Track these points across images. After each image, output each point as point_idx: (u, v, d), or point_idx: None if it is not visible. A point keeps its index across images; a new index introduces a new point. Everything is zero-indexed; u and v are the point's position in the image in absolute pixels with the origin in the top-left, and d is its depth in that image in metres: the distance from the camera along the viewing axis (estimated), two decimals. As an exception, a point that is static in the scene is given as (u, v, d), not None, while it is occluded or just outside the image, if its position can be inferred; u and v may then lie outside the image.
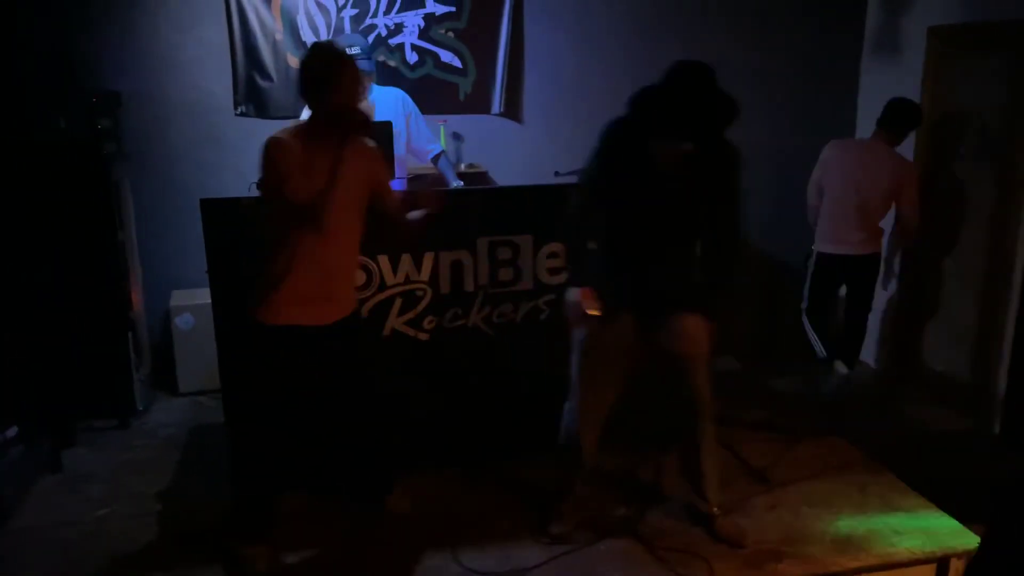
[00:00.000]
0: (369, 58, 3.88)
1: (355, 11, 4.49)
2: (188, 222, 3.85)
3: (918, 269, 4.55)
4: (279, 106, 4.49)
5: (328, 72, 2.59)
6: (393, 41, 4.58)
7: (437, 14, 4.59)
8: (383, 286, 3.33)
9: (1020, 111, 3.97)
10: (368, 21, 4.52)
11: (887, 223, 4.23)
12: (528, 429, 3.43)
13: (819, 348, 4.45)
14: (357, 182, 2.70)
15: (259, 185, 2.64)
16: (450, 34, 4.64)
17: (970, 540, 2.98)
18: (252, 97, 4.50)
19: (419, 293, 3.37)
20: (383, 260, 3.31)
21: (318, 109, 2.63)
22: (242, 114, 4.50)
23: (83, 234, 3.91)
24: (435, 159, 4.19)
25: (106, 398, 4.04)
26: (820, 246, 4.30)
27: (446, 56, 4.66)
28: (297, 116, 4.02)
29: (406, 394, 3.36)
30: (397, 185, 3.85)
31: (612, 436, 3.08)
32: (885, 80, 4.74)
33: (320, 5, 4.45)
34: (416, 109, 4.11)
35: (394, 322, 3.37)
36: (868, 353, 4.87)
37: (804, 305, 4.46)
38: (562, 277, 3.33)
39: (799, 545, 3.00)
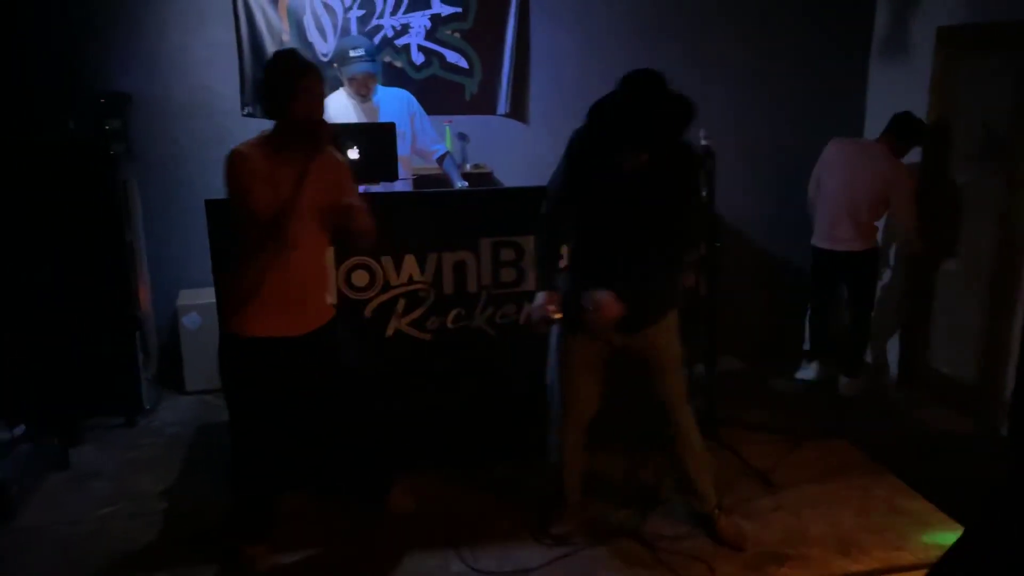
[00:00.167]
0: (373, 60, 3.90)
1: (361, 12, 4.51)
2: (195, 222, 3.87)
3: (924, 270, 4.53)
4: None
5: (289, 83, 2.54)
6: (399, 42, 4.59)
7: (443, 15, 4.60)
8: (387, 287, 3.35)
9: (1028, 112, 3.94)
10: (374, 22, 4.54)
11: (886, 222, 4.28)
12: (530, 430, 3.43)
13: (807, 343, 4.67)
14: (322, 195, 2.66)
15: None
16: (456, 35, 4.64)
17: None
18: (259, 98, 4.52)
19: (422, 294, 3.38)
20: (386, 261, 3.32)
21: (281, 120, 2.60)
22: (249, 115, 4.52)
23: (91, 234, 3.94)
24: (440, 159, 4.20)
25: (113, 396, 4.07)
26: (815, 240, 4.45)
27: (452, 57, 4.67)
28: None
29: (409, 394, 3.37)
30: (401, 186, 3.87)
31: (612, 438, 3.08)
32: (893, 80, 4.72)
33: (327, 6, 4.47)
34: (421, 110, 4.12)
35: (397, 323, 3.39)
36: (872, 354, 4.86)
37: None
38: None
39: (801, 547, 3.00)
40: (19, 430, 3.49)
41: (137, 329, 4.12)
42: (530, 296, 3.43)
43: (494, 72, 4.72)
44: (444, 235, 3.35)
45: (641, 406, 3.07)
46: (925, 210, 4.33)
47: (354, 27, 4.51)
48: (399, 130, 3.65)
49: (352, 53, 3.86)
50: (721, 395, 3.90)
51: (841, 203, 4.25)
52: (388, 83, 4.27)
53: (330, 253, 3.26)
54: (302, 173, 2.54)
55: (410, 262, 3.35)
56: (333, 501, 3.26)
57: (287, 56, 2.67)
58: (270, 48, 4.44)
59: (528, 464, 3.38)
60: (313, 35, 4.48)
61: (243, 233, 2.63)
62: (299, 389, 2.81)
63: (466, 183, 4.18)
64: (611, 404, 3.03)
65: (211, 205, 3.09)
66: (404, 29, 4.58)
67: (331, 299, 2.97)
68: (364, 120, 3.92)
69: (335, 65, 3.99)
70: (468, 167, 4.66)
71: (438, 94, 4.63)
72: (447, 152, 4.23)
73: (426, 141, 4.15)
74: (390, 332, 3.39)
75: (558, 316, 2.81)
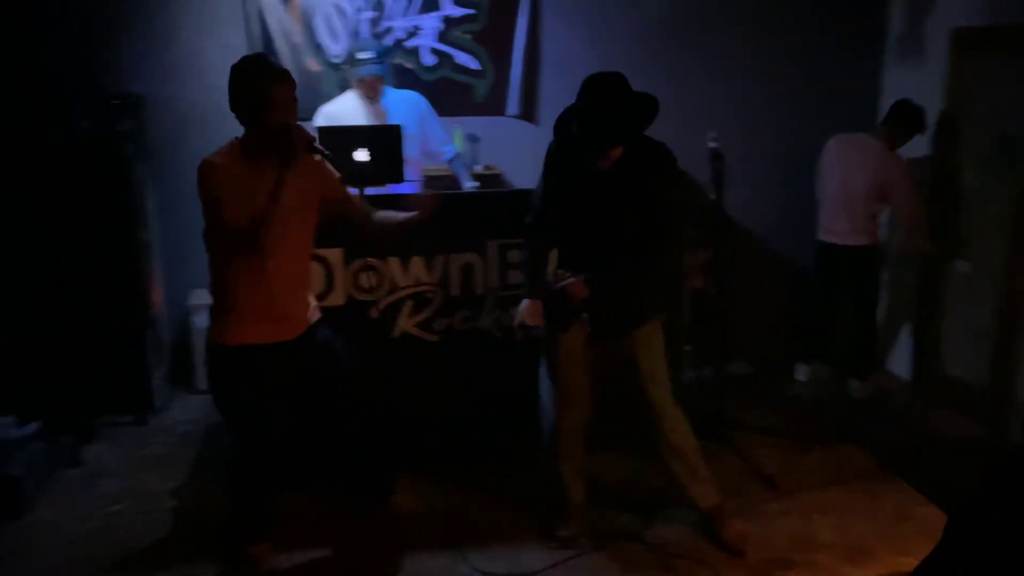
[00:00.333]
0: (382, 62, 3.91)
1: (373, 14, 4.52)
2: (207, 223, 3.90)
3: (936, 272, 4.48)
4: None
5: (265, 91, 2.48)
6: (410, 44, 4.60)
7: (454, 16, 4.61)
8: (394, 288, 3.36)
9: (1044, 114, 3.89)
10: (385, 24, 4.55)
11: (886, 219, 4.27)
12: (535, 430, 3.44)
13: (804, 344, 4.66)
14: (302, 201, 2.63)
15: None
16: (467, 36, 4.65)
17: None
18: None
19: (429, 295, 3.39)
20: (394, 262, 3.34)
21: (252, 128, 2.54)
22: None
23: (105, 233, 3.99)
24: (450, 161, 4.21)
25: (125, 395, 4.11)
26: (819, 234, 4.48)
27: (462, 58, 4.67)
28: (308, 119, 4.05)
29: (415, 395, 3.38)
30: (409, 188, 3.87)
31: (617, 442, 3.07)
32: (907, 82, 4.67)
33: (338, 8, 4.49)
34: (431, 111, 4.13)
35: (405, 324, 3.40)
36: (882, 358, 4.81)
37: None
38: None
39: (809, 553, 2.98)
40: (32, 428, 3.53)
41: (149, 328, 4.16)
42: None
43: (504, 73, 4.72)
44: (451, 237, 3.36)
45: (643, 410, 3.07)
46: (937, 211, 4.29)
47: (365, 29, 4.53)
48: (408, 133, 3.67)
49: (360, 55, 3.88)
50: (731, 398, 3.88)
51: (838, 197, 4.29)
52: (399, 85, 4.28)
53: (339, 253, 3.28)
54: (278, 182, 2.48)
55: (417, 263, 3.36)
56: (336, 501, 3.27)
57: (256, 62, 2.57)
58: (282, 50, 4.46)
59: (533, 466, 3.39)
60: (324, 37, 4.50)
61: (217, 244, 2.60)
62: (297, 390, 2.82)
63: (476, 184, 4.19)
64: (615, 408, 3.02)
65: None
66: (415, 31, 4.59)
67: (314, 301, 2.93)
68: (373, 122, 3.93)
69: (345, 66, 4.00)
70: (479, 168, 4.66)
71: (448, 95, 4.63)
72: (457, 153, 4.24)
73: (436, 143, 4.16)
74: (397, 333, 3.40)
75: (535, 324, 2.91)
